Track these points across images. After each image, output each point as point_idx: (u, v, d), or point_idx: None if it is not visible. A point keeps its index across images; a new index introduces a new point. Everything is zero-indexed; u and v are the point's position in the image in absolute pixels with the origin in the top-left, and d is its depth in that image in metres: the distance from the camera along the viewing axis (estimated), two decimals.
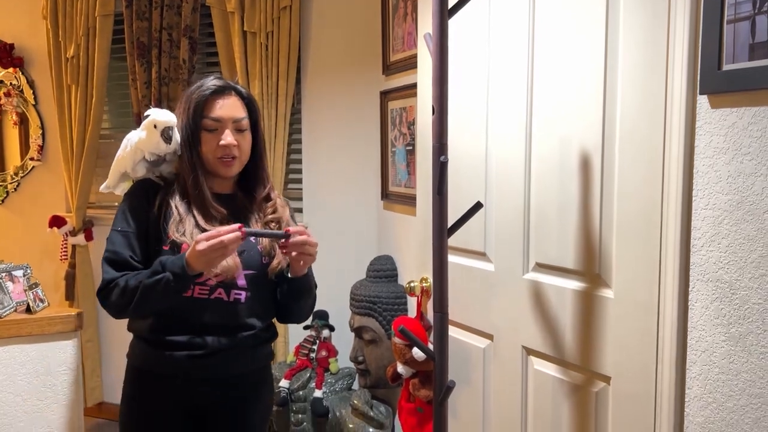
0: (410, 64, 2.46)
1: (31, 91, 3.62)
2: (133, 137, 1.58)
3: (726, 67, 1.16)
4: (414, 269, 2.37)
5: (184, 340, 1.49)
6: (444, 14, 1.42)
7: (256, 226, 1.58)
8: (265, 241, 1.56)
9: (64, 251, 3.48)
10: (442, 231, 1.48)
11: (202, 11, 3.14)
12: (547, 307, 1.67)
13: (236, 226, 1.39)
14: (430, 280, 2.19)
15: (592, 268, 1.53)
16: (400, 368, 2.10)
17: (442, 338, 1.49)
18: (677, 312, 1.29)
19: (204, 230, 1.46)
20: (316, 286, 1.68)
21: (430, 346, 1.53)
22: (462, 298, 1.97)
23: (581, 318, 1.56)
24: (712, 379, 1.22)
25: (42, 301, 1.90)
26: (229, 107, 1.54)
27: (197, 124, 1.52)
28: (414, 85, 2.26)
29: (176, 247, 1.47)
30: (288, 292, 1.61)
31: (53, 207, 3.55)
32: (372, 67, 2.97)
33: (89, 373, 3.49)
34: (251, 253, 1.55)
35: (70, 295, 3.44)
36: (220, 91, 1.54)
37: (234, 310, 1.52)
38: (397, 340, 2.07)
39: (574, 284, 1.58)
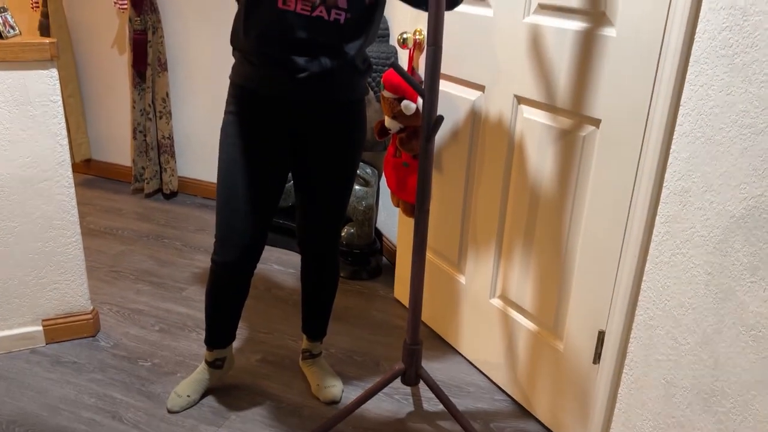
0: None
1: None
2: None
3: None
4: (407, 22, 2.25)
5: (284, 58, 1.51)
6: None
7: None
8: None
9: None
10: None
11: None
12: (544, 52, 1.60)
13: None
14: (424, 32, 2.09)
15: (597, 6, 1.44)
16: (388, 122, 2.08)
17: (433, 73, 1.44)
18: (681, 45, 1.23)
19: None
20: None
21: (420, 104, 1.48)
22: (455, 50, 1.90)
23: (579, 60, 1.50)
24: (705, 113, 1.21)
25: (12, 27, 1.79)
26: None
27: None
28: None
29: None
30: None
31: None
32: None
33: (74, 129, 3.48)
34: None
35: None
36: None
37: (334, 30, 1.50)
38: (386, 93, 2.02)
39: (577, 25, 1.50)
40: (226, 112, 1.64)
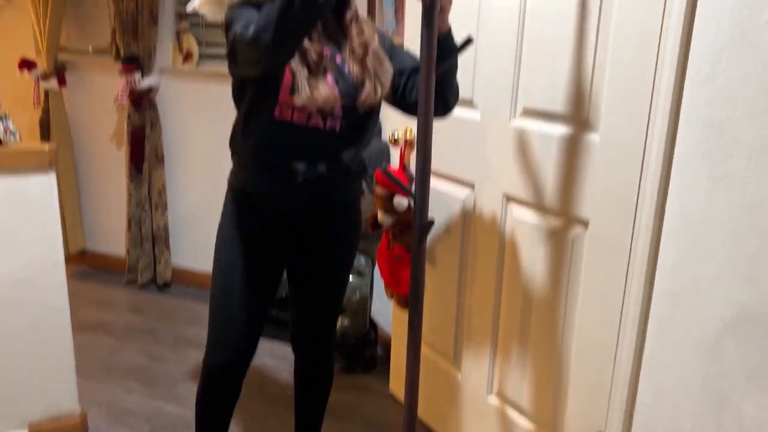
0: None
1: None
2: None
3: None
4: (399, 119, 2.32)
5: (282, 165, 1.54)
6: None
7: (346, 53, 1.54)
8: (356, 69, 1.53)
9: (37, 96, 3.36)
10: (429, 69, 1.41)
11: None
12: (531, 153, 1.65)
13: None
14: (414, 131, 2.16)
15: (580, 113, 1.50)
16: (381, 216, 2.11)
17: (423, 176, 1.47)
18: (663, 153, 1.27)
19: (306, 51, 1.47)
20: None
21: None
22: (445, 148, 1.95)
23: (565, 164, 1.55)
24: (690, 217, 1.23)
25: (13, 134, 1.83)
26: None
27: None
28: None
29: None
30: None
31: (22, 49, 3.38)
32: None
33: (70, 220, 3.50)
34: (346, 82, 1.53)
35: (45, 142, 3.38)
36: None
37: (329, 138, 1.54)
38: (378, 189, 2.06)
39: (561, 129, 1.55)
40: (223, 215, 1.66)
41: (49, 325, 1.95)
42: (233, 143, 1.65)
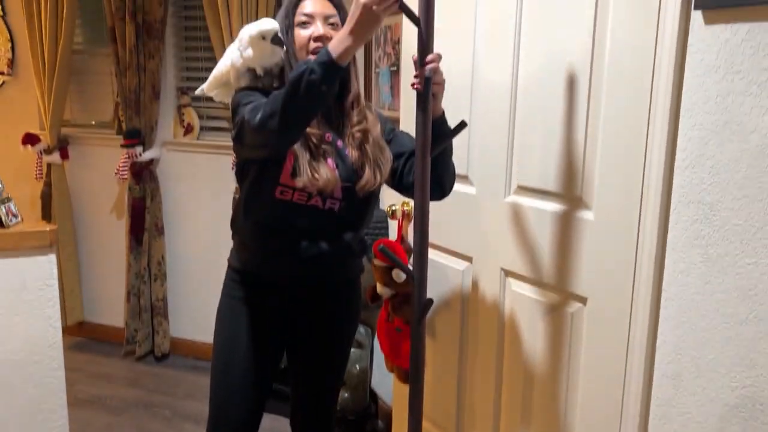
0: None
1: None
2: (235, 55, 1.57)
3: None
4: (395, 193, 2.34)
5: (281, 246, 1.56)
6: None
7: (347, 138, 1.58)
8: (355, 154, 1.56)
9: (39, 170, 3.41)
10: (425, 151, 1.44)
11: None
12: (527, 229, 1.66)
13: None
14: (411, 204, 2.18)
15: (573, 191, 1.52)
16: (380, 288, 2.11)
17: (421, 257, 1.48)
18: (657, 234, 1.29)
19: (308, 135, 1.51)
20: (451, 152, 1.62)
21: (410, 267, 1.53)
22: (442, 221, 1.97)
23: (560, 240, 1.56)
24: (687, 299, 1.24)
25: (15, 216, 1.85)
26: (320, 4, 1.56)
27: (291, 22, 1.56)
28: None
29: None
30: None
31: (26, 124, 3.45)
32: None
33: (68, 292, 3.49)
34: (346, 166, 1.56)
35: (46, 215, 3.40)
36: None
37: (329, 218, 1.56)
38: (377, 261, 2.07)
39: (555, 206, 1.57)
40: (223, 294, 1.67)
41: (45, 405, 1.93)
42: (234, 224, 1.67)
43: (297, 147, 1.51)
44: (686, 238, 1.23)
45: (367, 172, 1.57)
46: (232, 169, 2.97)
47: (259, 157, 1.53)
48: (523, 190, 1.68)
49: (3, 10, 3.46)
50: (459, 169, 1.86)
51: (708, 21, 1.16)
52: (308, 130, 1.51)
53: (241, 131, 1.46)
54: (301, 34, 1.54)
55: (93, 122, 3.45)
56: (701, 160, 1.19)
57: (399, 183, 1.66)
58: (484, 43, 1.75)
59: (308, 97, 1.32)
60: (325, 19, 1.55)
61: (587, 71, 1.44)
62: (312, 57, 1.46)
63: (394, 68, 2.53)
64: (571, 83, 1.48)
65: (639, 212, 1.35)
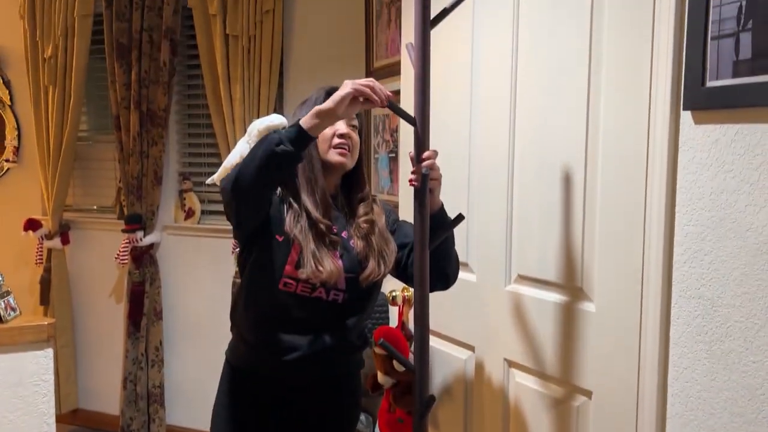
0: (394, 71, 2.43)
1: (7, 92, 3.55)
2: (244, 147, 1.59)
3: (710, 83, 1.15)
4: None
5: (282, 342, 1.54)
6: (426, 24, 1.40)
7: (353, 229, 1.61)
8: (360, 245, 1.58)
9: (40, 255, 3.42)
10: (423, 244, 1.46)
11: (184, 13, 3.10)
12: (528, 319, 1.65)
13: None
14: (412, 290, 2.17)
15: (573, 282, 1.52)
16: (381, 378, 2.08)
17: (422, 353, 1.47)
18: (659, 328, 1.28)
19: (316, 224, 1.53)
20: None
21: (411, 358, 1.51)
22: (444, 309, 1.96)
23: (562, 331, 1.55)
24: (694, 396, 1.22)
25: (14, 309, 1.85)
26: None
27: None
28: (398, 92, 2.24)
29: (288, 241, 1.52)
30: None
31: (29, 210, 3.48)
32: (355, 74, 2.93)
33: (64, 379, 3.43)
34: (351, 258, 1.57)
35: (45, 300, 3.38)
36: None
37: (332, 309, 1.56)
38: (378, 350, 2.05)
39: (556, 297, 1.57)
40: (220, 391, 1.64)
41: None
42: (234, 315, 1.66)
43: (302, 237, 1.52)
44: (689, 333, 1.22)
45: (372, 264, 1.58)
46: (232, 253, 2.99)
47: (244, 219, 1.54)
48: (524, 279, 1.68)
49: (11, 99, 3.56)
50: (460, 256, 1.88)
51: (697, 121, 1.20)
52: (315, 216, 1.53)
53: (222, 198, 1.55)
54: (326, 130, 1.56)
55: (95, 207, 3.48)
56: (699, 255, 1.20)
57: (403, 273, 1.67)
58: (479, 135, 1.79)
59: (266, 159, 1.40)
60: (348, 119, 1.60)
61: (582, 168, 1.47)
62: (335, 151, 1.56)
63: (393, 155, 2.58)
64: (567, 178, 1.51)
65: (640, 305, 1.34)
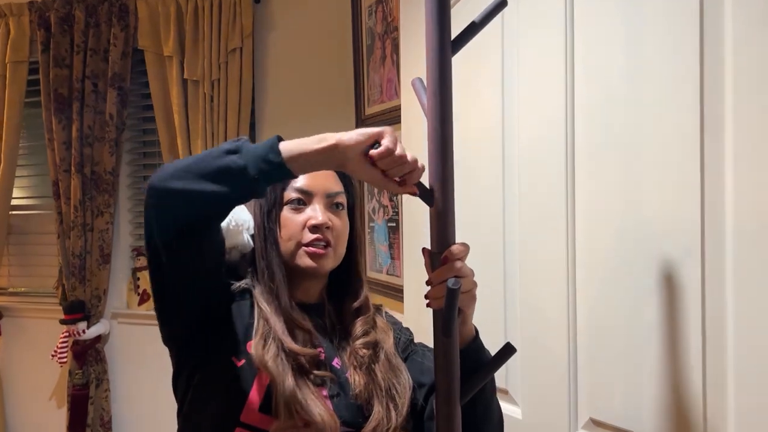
0: (391, 117, 2.05)
1: None
2: None
3: None
4: None
5: None
6: (446, 50, 0.87)
7: (347, 355, 1.09)
8: (359, 381, 1.05)
9: None
10: (450, 395, 0.89)
11: (134, 56, 2.69)
12: None
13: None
14: None
15: None
16: None
17: None
18: None
19: (288, 353, 1.01)
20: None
21: None
22: None
23: None
24: None
25: None
26: (322, 177, 1.11)
27: (276, 198, 1.09)
28: None
29: (251, 367, 1.01)
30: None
31: None
32: (342, 124, 2.46)
33: None
34: (347, 399, 1.04)
35: None
36: None
37: None
38: None
39: None
40: None
41: None
42: None
43: (274, 365, 0.98)
44: None
45: (377, 409, 1.03)
46: None
47: (176, 295, 1.02)
48: (600, 426, 1.10)
49: None
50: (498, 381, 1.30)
51: None
52: (289, 346, 1.00)
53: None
54: (292, 219, 1.07)
55: (33, 290, 2.96)
56: None
57: (418, 425, 1.09)
58: (516, 213, 1.24)
59: (217, 166, 0.87)
60: (329, 198, 1.09)
61: (698, 255, 0.90)
62: (305, 251, 1.06)
63: (393, 224, 2.07)
64: (669, 276, 0.94)
65: None
